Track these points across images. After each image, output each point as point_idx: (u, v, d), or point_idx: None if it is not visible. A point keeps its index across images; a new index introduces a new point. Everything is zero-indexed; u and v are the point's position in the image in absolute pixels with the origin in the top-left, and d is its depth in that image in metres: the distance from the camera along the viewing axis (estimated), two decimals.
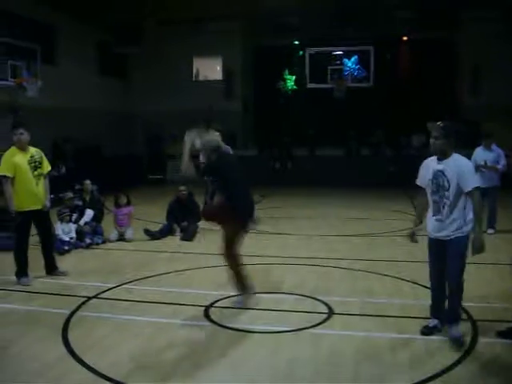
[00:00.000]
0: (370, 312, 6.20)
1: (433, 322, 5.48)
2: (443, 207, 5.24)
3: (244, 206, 6.49)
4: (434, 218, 5.38)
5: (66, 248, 9.35)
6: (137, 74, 24.38)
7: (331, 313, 6.15)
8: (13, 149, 7.46)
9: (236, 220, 6.32)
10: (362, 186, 18.58)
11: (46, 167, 7.73)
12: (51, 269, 7.93)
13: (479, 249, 5.10)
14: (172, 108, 23.05)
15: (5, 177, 7.29)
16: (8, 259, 8.11)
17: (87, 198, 10.65)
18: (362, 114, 22.82)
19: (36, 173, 7.50)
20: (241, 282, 6.44)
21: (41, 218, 7.65)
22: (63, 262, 8.49)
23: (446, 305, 5.40)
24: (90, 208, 10.44)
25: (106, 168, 18.43)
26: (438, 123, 5.32)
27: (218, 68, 24.32)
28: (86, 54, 21.15)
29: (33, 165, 7.46)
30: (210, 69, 24.49)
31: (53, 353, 5.12)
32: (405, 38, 23.56)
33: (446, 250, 5.29)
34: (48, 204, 7.72)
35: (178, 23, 22.38)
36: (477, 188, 5.09)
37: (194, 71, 24.55)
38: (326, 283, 7.42)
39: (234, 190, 6.38)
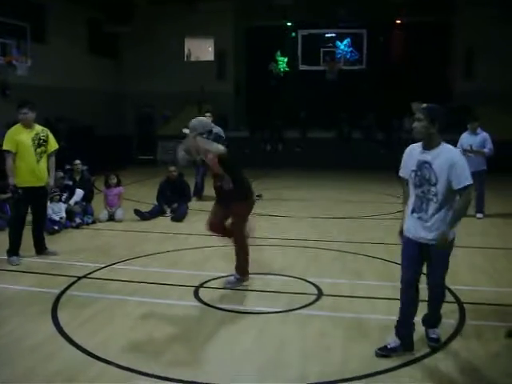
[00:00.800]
0: (359, 294, 6.22)
1: (394, 343, 4.68)
2: (427, 204, 4.49)
3: (250, 186, 6.68)
4: (416, 215, 4.58)
5: (56, 228, 9.31)
6: (128, 53, 24.19)
7: (320, 294, 6.16)
8: (17, 126, 7.58)
9: (247, 201, 6.47)
10: (353, 169, 18.63)
11: (52, 146, 7.78)
12: (41, 249, 7.91)
13: (442, 245, 4.45)
14: (163, 88, 22.93)
15: (8, 152, 7.38)
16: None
17: (77, 178, 10.61)
18: (353, 97, 22.78)
19: (39, 150, 7.55)
20: (245, 264, 6.49)
21: (39, 196, 7.67)
22: (53, 242, 8.45)
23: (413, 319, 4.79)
24: (80, 188, 10.40)
25: (96, 148, 18.34)
26: (423, 104, 4.66)
27: (210, 49, 24.16)
28: (76, 33, 20.96)
29: (36, 142, 7.52)
30: (202, 49, 24.35)
31: (43, 332, 5.11)
32: (398, 21, 23.46)
33: (425, 253, 4.58)
34: (51, 182, 7.80)
35: (170, 2, 22.19)
36: (469, 186, 4.38)
37: (186, 51, 24.40)
38: (315, 265, 7.45)
39: (240, 173, 6.52)
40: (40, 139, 7.59)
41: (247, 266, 6.52)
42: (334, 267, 7.36)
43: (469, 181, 4.37)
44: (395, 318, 4.82)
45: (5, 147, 7.43)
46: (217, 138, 6.39)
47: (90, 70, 21.55)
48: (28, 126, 7.54)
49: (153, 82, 23.12)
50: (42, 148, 7.62)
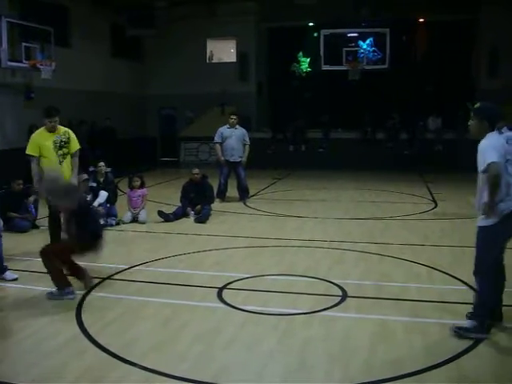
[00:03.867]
0: (384, 296, 6.14)
1: (470, 324, 4.97)
2: None
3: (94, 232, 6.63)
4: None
5: None
6: (150, 56, 24.29)
7: (345, 296, 6.10)
8: (41, 130, 7.80)
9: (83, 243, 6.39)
10: (376, 170, 18.45)
11: (73, 147, 7.92)
12: None
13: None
14: (186, 90, 22.97)
15: (31, 156, 7.64)
16: (22, 239, 8.15)
17: (101, 180, 10.65)
18: (377, 97, 22.58)
19: (61, 152, 7.73)
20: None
21: None
22: None
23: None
24: (103, 190, 10.44)
25: (119, 150, 18.46)
26: (477, 104, 5.16)
27: (232, 50, 24.15)
28: (99, 37, 21.07)
29: (58, 145, 7.70)
30: (224, 51, 24.34)
31: (68, 333, 5.12)
32: (421, 20, 23.22)
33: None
34: (74, 181, 7.89)
35: (192, 5, 22.22)
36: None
37: (208, 53, 24.42)
38: (340, 266, 7.38)
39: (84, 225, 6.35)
40: (62, 141, 7.75)
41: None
42: (358, 268, 7.28)
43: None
44: (422, 320, 4.77)
45: (28, 152, 7.68)
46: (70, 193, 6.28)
47: (113, 74, 21.66)
48: (52, 130, 7.73)
49: (175, 84, 23.18)
50: (64, 149, 7.77)
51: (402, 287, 6.44)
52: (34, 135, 7.84)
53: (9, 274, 6.87)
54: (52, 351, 4.75)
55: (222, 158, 12.61)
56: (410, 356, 4.61)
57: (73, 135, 7.98)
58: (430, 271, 7.06)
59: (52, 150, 7.63)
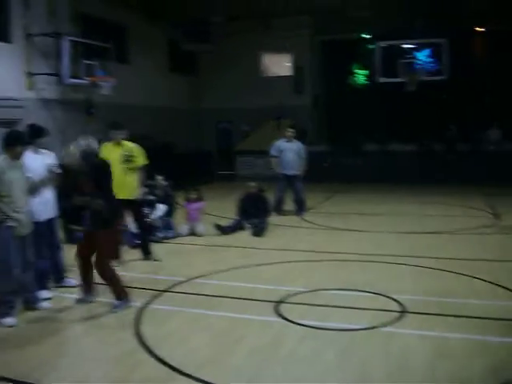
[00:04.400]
0: (445, 312, 5.98)
1: None
2: None
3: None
4: None
5: (138, 242, 9.49)
6: (206, 70, 24.58)
7: (405, 312, 5.97)
8: (108, 144, 8.21)
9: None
10: (435, 183, 18.07)
11: (140, 161, 8.29)
12: (145, 254, 8.59)
13: None
14: (241, 104, 23.13)
15: None
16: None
17: (159, 193, 10.79)
18: (434, 108, 22.22)
19: (126, 166, 8.09)
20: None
21: (132, 207, 8.24)
22: (135, 256, 8.66)
23: None
24: (161, 203, 10.57)
25: (176, 164, 18.68)
26: None
27: (287, 64, 24.22)
28: (156, 53, 21.51)
29: (124, 159, 8.07)
30: (279, 64, 24.42)
31: (126, 344, 5.19)
32: (480, 30, 22.75)
33: None
34: (138, 195, 8.28)
35: (246, 20, 22.40)
36: None
37: (263, 67, 24.55)
38: (399, 281, 7.24)
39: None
40: (127, 155, 8.10)
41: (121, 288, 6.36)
42: (417, 283, 7.13)
43: None
44: (485, 338, 4.60)
45: None
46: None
47: (171, 89, 22.03)
48: (118, 144, 8.11)
49: (231, 97, 23.38)
50: (130, 164, 8.11)
51: (464, 303, 6.27)
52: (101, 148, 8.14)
53: (68, 280, 7.13)
54: (110, 362, 4.82)
55: (279, 172, 12.61)
56: (474, 377, 4.46)
57: (139, 150, 8.32)
58: (492, 287, 6.85)
59: (118, 163, 7.89)
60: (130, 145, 8.25)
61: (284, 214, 12.59)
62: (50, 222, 6.81)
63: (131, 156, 8.14)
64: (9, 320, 5.79)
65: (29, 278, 6.14)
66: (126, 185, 7.96)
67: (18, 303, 6.07)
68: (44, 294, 6.59)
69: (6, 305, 5.83)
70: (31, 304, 6.22)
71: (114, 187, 7.65)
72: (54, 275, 7.02)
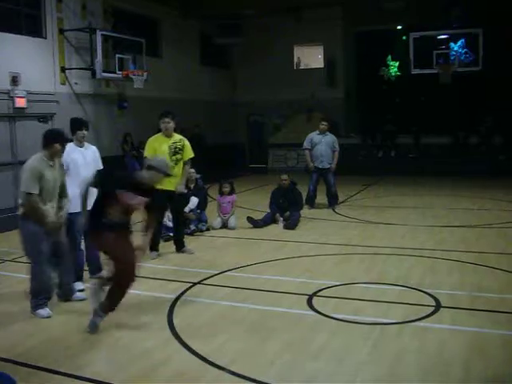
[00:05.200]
0: (480, 307, 5.90)
1: None
2: None
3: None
4: None
5: (171, 234, 9.56)
6: (238, 63, 24.60)
7: (439, 306, 5.90)
8: (158, 135, 8.36)
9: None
10: (469, 176, 17.80)
11: (187, 155, 8.36)
12: (179, 247, 8.67)
13: None
14: (273, 97, 23.09)
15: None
16: None
17: (192, 186, 10.83)
18: (469, 100, 21.86)
19: (174, 157, 8.18)
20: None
21: (173, 199, 8.33)
22: (168, 248, 8.74)
23: None
24: (194, 196, 10.62)
25: (208, 157, 18.74)
26: None
27: (320, 56, 24.08)
28: (188, 46, 21.59)
29: (172, 150, 8.16)
30: (311, 57, 24.33)
31: (159, 336, 5.24)
32: None
33: None
34: (180, 188, 8.41)
35: (278, 12, 22.31)
36: None
37: (295, 60, 24.45)
38: (432, 275, 7.16)
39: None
40: (176, 147, 8.19)
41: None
42: (452, 278, 7.03)
43: None
44: None
45: (145, 154, 8.20)
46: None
47: (202, 82, 22.09)
48: (167, 134, 8.23)
49: (263, 90, 23.34)
50: (178, 156, 8.21)
51: (499, 298, 6.18)
52: (150, 139, 8.37)
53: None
54: (144, 354, 4.86)
55: (312, 165, 12.56)
56: (510, 371, 4.40)
57: (187, 143, 8.40)
58: None
59: (167, 154, 8.00)
60: (179, 137, 8.35)
61: (316, 208, 12.55)
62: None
63: (180, 148, 8.24)
64: (43, 312, 5.89)
65: (63, 271, 6.23)
66: (173, 177, 8.01)
67: (53, 295, 6.16)
68: (79, 285, 6.69)
69: (41, 297, 5.93)
70: (66, 296, 6.31)
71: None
72: (90, 267, 7.12)
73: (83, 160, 6.88)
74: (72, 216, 6.58)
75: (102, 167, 7.15)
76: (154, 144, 8.20)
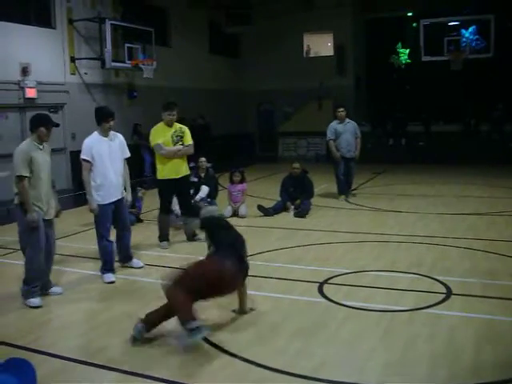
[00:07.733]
0: (491, 294, 5.90)
1: None
2: None
3: None
4: None
5: (181, 223, 9.59)
6: (248, 52, 24.55)
7: (450, 293, 5.92)
8: (160, 124, 8.38)
9: None
10: (480, 164, 17.70)
11: (187, 140, 8.40)
12: (189, 236, 8.77)
13: None
14: (283, 85, 23.06)
15: (158, 144, 8.19)
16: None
17: (202, 175, 10.86)
18: (480, 87, 21.72)
19: (177, 145, 8.25)
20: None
21: (179, 188, 8.41)
22: (178, 236, 8.79)
23: None
24: (205, 184, 10.65)
25: (218, 145, 18.77)
26: None
27: (329, 44, 23.97)
28: (197, 35, 21.54)
29: (175, 138, 8.25)
30: (321, 45, 24.21)
31: (171, 323, 5.25)
32: None
33: None
34: (186, 173, 8.51)
35: (288, 0, 22.22)
36: None
37: (305, 48, 24.36)
38: (443, 263, 7.16)
39: None
40: (177, 136, 8.27)
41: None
42: (463, 265, 7.03)
43: None
44: None
45: (153, 143, 8.26)
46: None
47: (212, 71, 22.06)
48: (170, 124, 8.27)
49: (273, 79, 23.30)
50: (179, 143, 8.27)
51: (510, 286, 6.18)
52: (153, 129, 8.42)
53: (136, 261, 7.35)
54: (157, 341, 4.90)
55: (338, 155, 12.08)
56: None
57: (187, 130, 8.48)
58: None
59: (171, 143, 8.16)
60: (178, 125, 8.42)
61: (327, 197, 12.50)
62: (115, 203, 6.93)
63: (181, 136, 8.32)
64: (35, 300, 5.94)
65: (49, 264, 6.27)
66: (177, 164, 8.25)
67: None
68: (110, 277, 6.77)
69: (34, 284, 5.96)
70: (44, 290, 6.22)
71: (167, 167, 8.19)
72: (121, 255, 7.18)
73: (108, 150, 6.87)
74: (117, 203, 6.82)
75: (129, 155, 7.23)
76: (159, 133, 8.27)
